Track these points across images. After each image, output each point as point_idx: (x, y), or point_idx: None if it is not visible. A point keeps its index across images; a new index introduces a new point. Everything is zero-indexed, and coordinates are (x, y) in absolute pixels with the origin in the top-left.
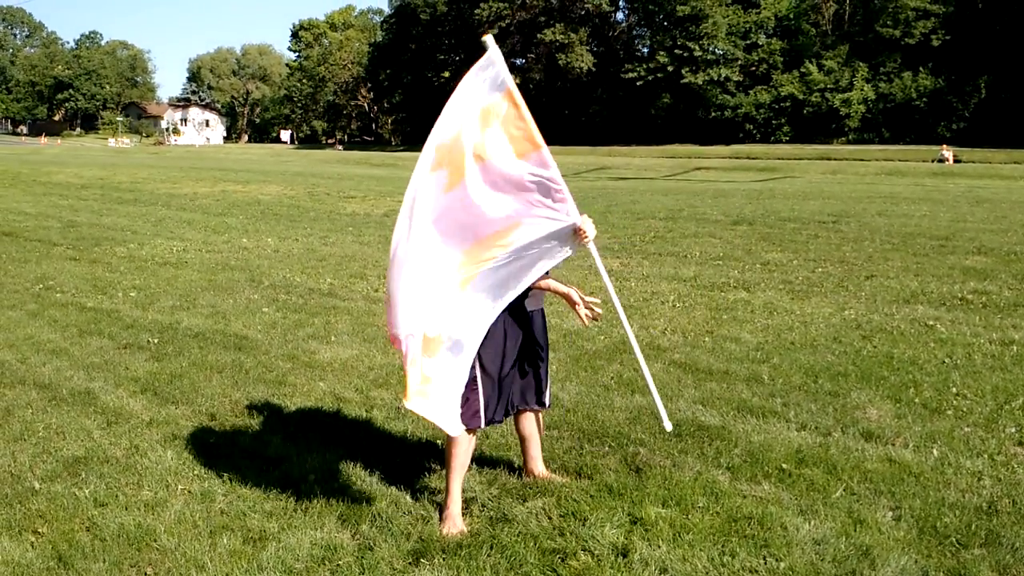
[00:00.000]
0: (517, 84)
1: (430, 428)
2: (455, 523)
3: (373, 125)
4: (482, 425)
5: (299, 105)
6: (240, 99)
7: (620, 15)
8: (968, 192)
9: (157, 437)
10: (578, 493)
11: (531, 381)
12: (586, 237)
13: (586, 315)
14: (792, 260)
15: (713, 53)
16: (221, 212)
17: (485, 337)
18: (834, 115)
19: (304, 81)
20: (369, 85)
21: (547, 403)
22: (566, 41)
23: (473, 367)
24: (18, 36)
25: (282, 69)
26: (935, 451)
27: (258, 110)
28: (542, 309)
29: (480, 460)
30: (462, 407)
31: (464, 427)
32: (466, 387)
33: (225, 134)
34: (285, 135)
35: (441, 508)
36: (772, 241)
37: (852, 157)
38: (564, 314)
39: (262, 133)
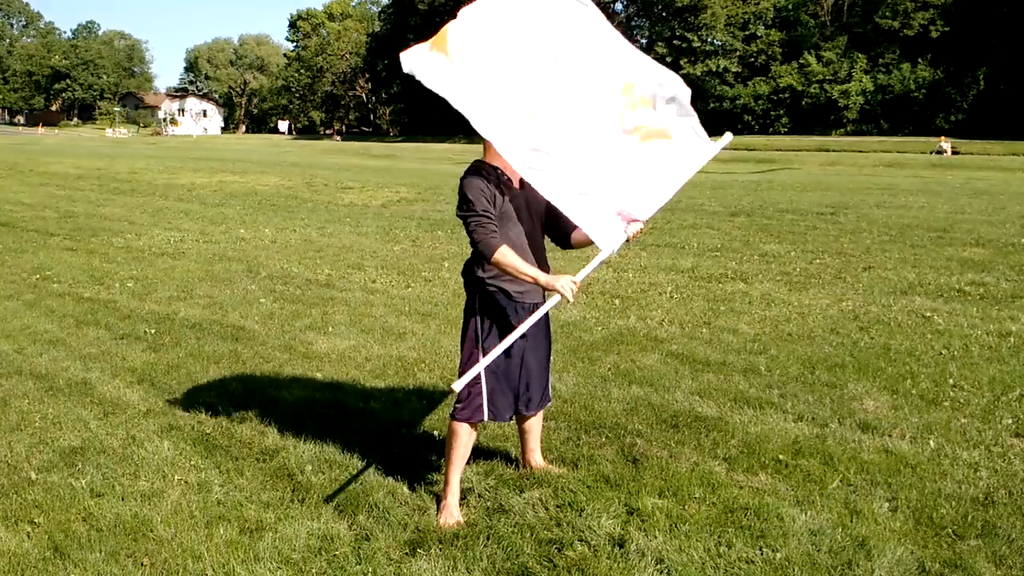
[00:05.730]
0: None
1: (428, 419)
2: (452, 514)
3: (371, 116)
4: (484, 419)
5: (297, 95)
6: (238, 89)
7: (619, 5)
8: (966, 184)
9: (154, 428)
10: (575, 484)
11: (539, 381)
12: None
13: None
14: (790, 251)
15: (712, 44)
16: (219, 203)
17: (490, 332)
18: (833, 106)
19: (302, 71)
20: (367, 75)
21: (550, 397)
22: None
23: (477, 361)
24: (15, 26)
25: (280, 59)
26: (932, 442)
27: (256, 100)
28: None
29: (477, 451)
30: (464, 401)
31: (466, 420)
32: (469, 382)
33: (223, 124)
34: (283, 125)
35: (439, 499)
36: (770, 232)
37: (850, 149)
38: (561, 305)
39: (260, 123)
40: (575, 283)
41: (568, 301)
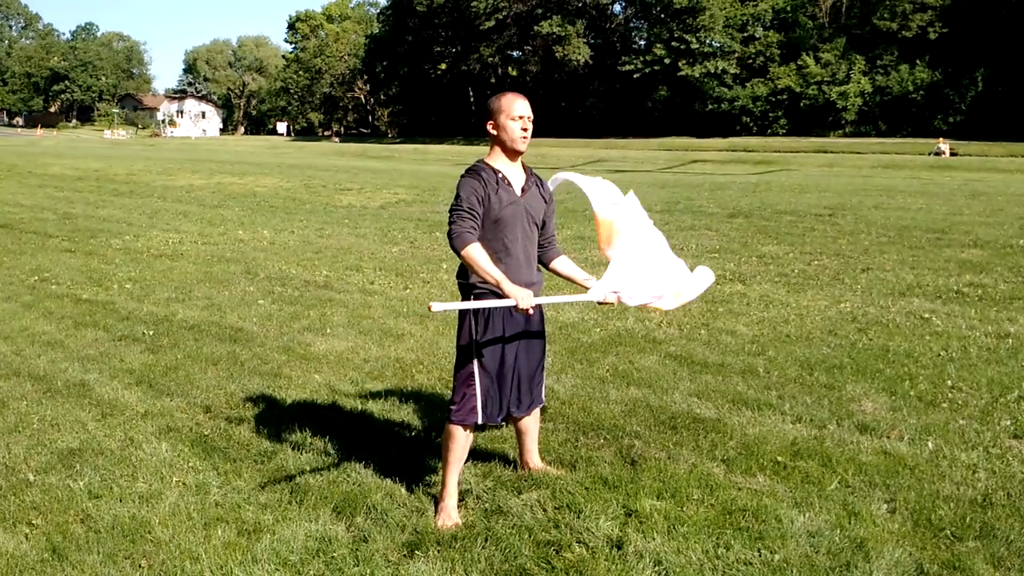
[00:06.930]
0: (513, 77)
1: (426, 420)
2: (450, 515)
3: (370, 117)
4: (479, 421)
5: (295, 97)
6: (236, 91)
7: (617, 7)
8: (964, 185)
9: (152, 429)
10: (573, 485)
11: (531, 382)
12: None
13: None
14: (788, 253)
15: (710, 46)
16: (217, 204)
17: (484, 333)
18: (831, 108)
19: (300, 73)
20: (366, 77)
21: (543, 399)
22: (563, 33)
23: (471, 362)
24: (14, 27)
25: (278, 61)
26: (930, 444)
27: (254, 102)
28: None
29: (475, 452)
30: (458, 403)
31: (461, 423)
32: (463, 383)
33: (221, 126)
34: (281, 127)
35: (436, 500)
36: (768, 234)
37: (849, 150)
38: (559, 306)
39: (258, 125)
40: (531, 304)
41: (517, 309)
